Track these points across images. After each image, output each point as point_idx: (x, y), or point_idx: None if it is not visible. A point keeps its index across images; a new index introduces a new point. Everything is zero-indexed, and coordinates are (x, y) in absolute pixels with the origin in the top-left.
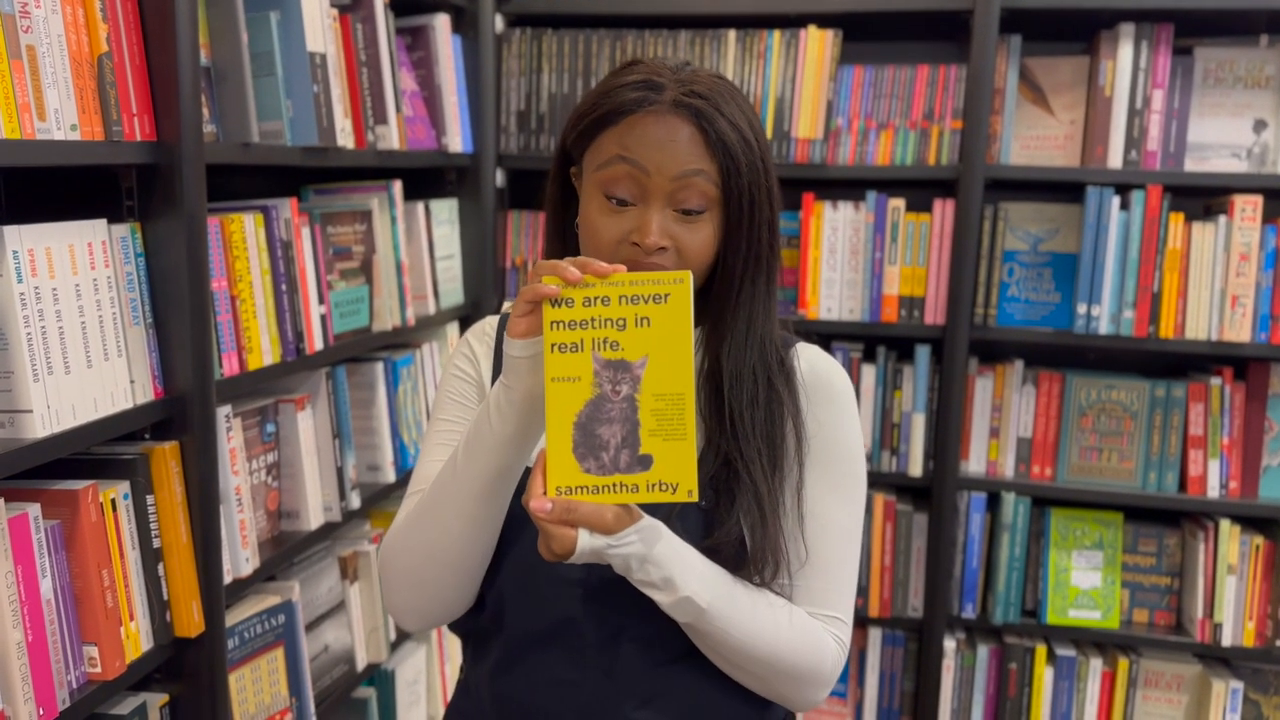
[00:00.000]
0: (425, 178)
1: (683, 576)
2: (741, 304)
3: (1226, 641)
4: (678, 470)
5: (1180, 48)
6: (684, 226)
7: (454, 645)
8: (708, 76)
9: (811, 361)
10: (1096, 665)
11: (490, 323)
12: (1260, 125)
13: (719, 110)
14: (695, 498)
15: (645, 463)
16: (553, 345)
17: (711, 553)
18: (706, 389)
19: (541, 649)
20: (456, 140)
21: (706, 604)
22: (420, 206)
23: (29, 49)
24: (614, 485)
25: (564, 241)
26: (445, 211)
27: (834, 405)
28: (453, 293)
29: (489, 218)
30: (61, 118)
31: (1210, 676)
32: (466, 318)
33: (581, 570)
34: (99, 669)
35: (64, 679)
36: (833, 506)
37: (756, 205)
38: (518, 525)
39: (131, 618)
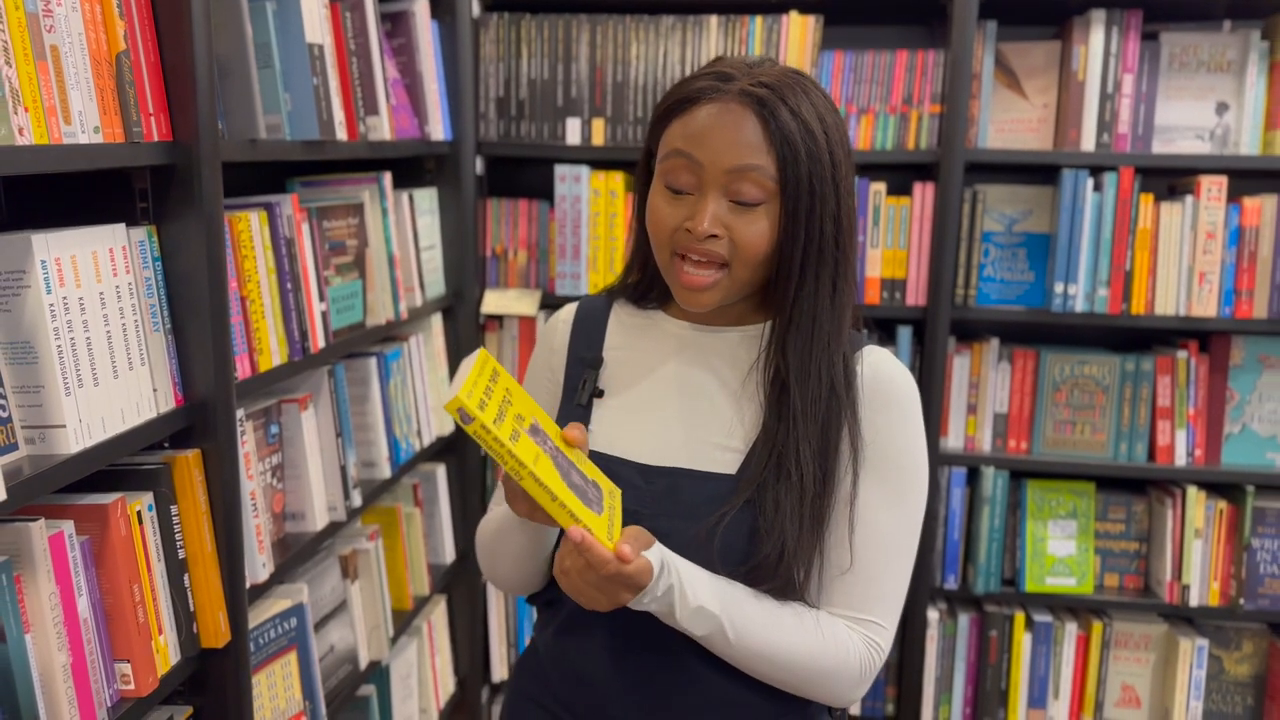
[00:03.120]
0: (405, 167)
1: (694, 589)
2: (804, 297)
3: (1194, 602)
4: (600, 480)
5: (1147, 33)
6: (739, 217)
7: (443, 639)
8: (781, 69)
9: (875, 366)
10: (1072, 629)
11: (568, 310)
12: (1222, 108)
13: (783, 100)
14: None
15: (595, 485)
16: (511, 435)
17: (756, 565)
18: (771, 387)
19: (604, 616)
20: (438, 128)
21: (718, 610)
22: (405, 197)
23: (53, 49)
24: (610, 510)
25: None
26: (426, 201)
27: (891, 411)
28: (435, 283)
29: (469, 206)
30: (85, 120)
31: (1177, 635)
32: (449, 309)
33: None
34: (132, 686)
35: (101, 698)
36: (882, 514)
37: (819, 197)
38: None
39: (160, 631)
